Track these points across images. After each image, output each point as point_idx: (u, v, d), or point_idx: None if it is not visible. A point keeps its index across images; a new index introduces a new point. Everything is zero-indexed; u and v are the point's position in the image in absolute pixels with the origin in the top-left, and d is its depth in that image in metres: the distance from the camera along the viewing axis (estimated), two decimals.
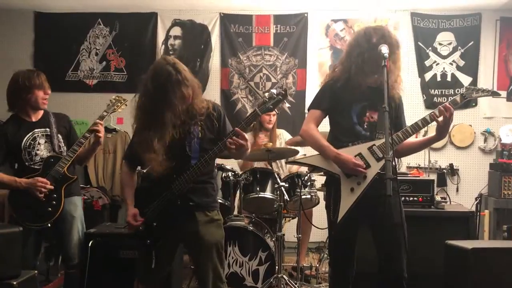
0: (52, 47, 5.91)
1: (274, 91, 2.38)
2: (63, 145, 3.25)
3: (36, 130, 3.19)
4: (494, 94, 2.74)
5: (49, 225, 3.09)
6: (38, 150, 3.17)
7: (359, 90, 2.63)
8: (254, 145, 4.41)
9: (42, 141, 3.19)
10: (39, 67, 5.29)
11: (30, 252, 3.15)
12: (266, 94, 2.42)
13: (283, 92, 2.37)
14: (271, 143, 4.24)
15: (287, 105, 5.57)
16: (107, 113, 3.28)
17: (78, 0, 5.57)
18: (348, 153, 2.58)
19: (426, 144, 2.80)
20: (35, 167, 3.14)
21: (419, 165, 5.46)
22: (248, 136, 4.46)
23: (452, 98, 2.64)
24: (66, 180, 3.13)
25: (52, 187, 3.06)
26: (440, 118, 2.55)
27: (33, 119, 3.23)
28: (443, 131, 2.60)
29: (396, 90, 2.68)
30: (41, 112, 3.25)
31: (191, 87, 2.38)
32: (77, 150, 3.14)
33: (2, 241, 2.63)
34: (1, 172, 3.13)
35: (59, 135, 3.24)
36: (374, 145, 2.58)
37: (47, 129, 3.22)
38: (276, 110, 2.49)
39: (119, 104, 3.33)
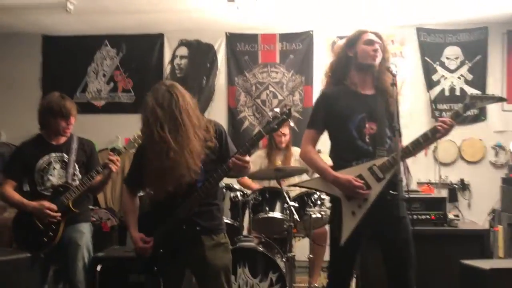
0: (60, 69, 5.96)
1: (278, 110, 2.35)
2: (78, 174, 3.24)
3: (53, 154, 3.20)
4: (501, 100, 2.65)
5: (42, 255, 3.07)
6: (51, 175, 3.17)
7: (354, 101, 2.59)
8: (270, 165, 4.38)
9: (57, 166, 3.19)
10: (47, 89, 5.33)
11: (38, 277, 3.12)
12: (270, 113, 2.39)
13: (287, 111, 2.34)
14: (279, 162, 4.21)
15: (292, 124, 5.53)
16: (126, 150, 3.23)
17: (85, 23, 5.62)
18: (349, 174, 2.52)
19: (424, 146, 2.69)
20: (45, 193, 3.13)
21: (430, 180, 5.41)
22: (262, 155, 4.48)
23: (454, 110, 2.55)
24: (68, 212, 3.11)
25: (59, 215, 3.04)
26: (440, 131, 2.49)
27: (54, 142, 3.24)
28: (440, 138, 2.56)
29: (394, 91, 2.59)
30: (64, 137, 3.26)
31: (196, 113, 2.37)
32: (86, 184, 3.12)
33: (10, 267, 2.61)
34: (14, 191, 3.14)
35: (76, 164, 3.23)
36: (374, 165, 2.51)
37: (65, 155, 3.21)
38: (292, 125, 2.47)
39: (140, 141, 3.31)
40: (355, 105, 2.58)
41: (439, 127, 2.47)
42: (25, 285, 2.67)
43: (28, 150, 3.21)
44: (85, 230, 3.24)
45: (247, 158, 2.34)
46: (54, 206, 3.04)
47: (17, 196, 3.12)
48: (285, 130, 4.53)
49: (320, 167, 2.62)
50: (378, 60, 2.59)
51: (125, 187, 2.60)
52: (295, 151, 4.68)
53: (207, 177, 2.36)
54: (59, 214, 3.05)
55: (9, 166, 3.28)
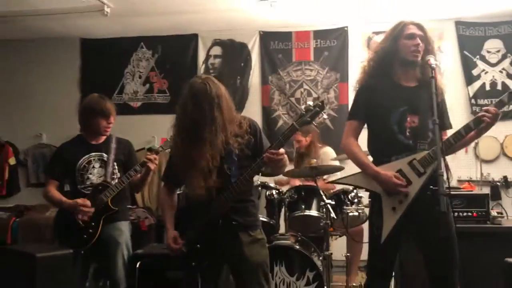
0: (97, 71, 6.10)
1: (310, 103, 2.32)
2: (117, 173, 3.31)
3: (93, 153, 3.29)
4: None
5: (82, 252, 3.14)
6: (91, 174, 3.25)
7: (396, 93, 2.52)
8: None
9: (97, 165, 3.27)
10: (86, 91, 5.46)
11: (78, 274, 3.20)
12: (303, 106, 2.36)
13: (320, 103, 2.31)
14: (314, 160, 4.17)
15: (325, 117, 5.48)
16: (162, 149, 3.29)
17: (121, 26, 5.73)
18: (389, 169, 2.47)
19: (466, 144, 2.60)
20: (85, 191, 3.22)
21: (471, 178, 5.25)
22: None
23: (499, 99, 2.45)
24: (107, 210, 3.18)
25: (92, 209, 3.12)
26: (483, 124, 2.39)
27: (94, 142, 3.33)
28: (484, 131, 2.44)
29: (439, 85, 2.52)
30: (104, 137, 3.35)
31: (227, 112, 2.37)
32: (125, 182, 3.20)
33: (55, 263, 2.68)
34: (56, 191, 3.24)
35: (115, 163, 3.31)
36: (414, 159, 2.44)
37: (104, 155, 3.29)
38: (314, 125, 2.42)
39: None
40: (396, 97, 2.52)
41: (483, 118, 2.38)
42: (68, 280, 2.73)
43: (69, 150, 3.30)
44: (124, 228, 3.30)
45: (282, 150, 2.32)
46: (88, 203, 3.12)
47: (57, 195, 3.22)
48: (299, 137, 4.50)
49: (361, 161, 2.57)
50: (420, 55, 2.51)
51: (163, 185, 2.64)
52: (326, 151, 4.64)
53: (241, 173, 2.36)
54: (92, 209, 3.12)
55: (51, 167, 3.39)
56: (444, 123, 2.60)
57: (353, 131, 2.65)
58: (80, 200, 3.12)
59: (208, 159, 2.32)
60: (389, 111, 2.51)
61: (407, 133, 2.49)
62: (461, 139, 2.45)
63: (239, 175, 2.36)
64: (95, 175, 3.25)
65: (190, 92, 2.37)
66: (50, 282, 2.62)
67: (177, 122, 2.43)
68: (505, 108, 5.24)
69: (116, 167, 3.32)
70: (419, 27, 2.57)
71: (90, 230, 3.14)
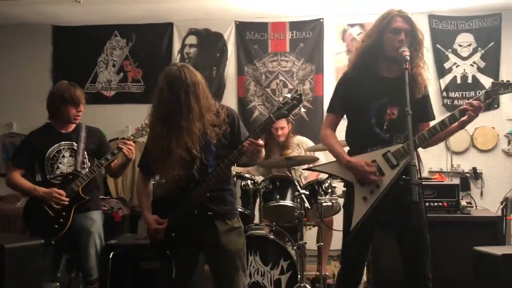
0: (70, 60, 5.97)
1: (288, 95, 2.33)
2: (87, 162, 3.26)
3: (62, 142, 3.22)
4: None
5: (53, 242, 3.10)
6: (60, 163, 3.19)
7: (378, 84, 2.54)
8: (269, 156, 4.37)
9: (66, 154, 3.21)
10: (58, 80, 5.32)
11: (50, 264, 3.16)
12: (281, 99, 2.37)
13: (297, 96, 2.32)
14: (289, 151, 4.20)
15: (303, 110, 5.51)
16: (134, 137, 3.26)
17: (95, 13, 5.62)
18: (363, 160, 2.50)
19: (447, 135, 2.66)
20: (54, 181, 3.17)
21: (441, 169, 5.36)
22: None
23: (475, 97, 2.49)
24: (78, 199, 3.14)
25: (67, 200, 3.07)
26: (464, 117, 2.46)
27: (63, 131, 3.26)
28: (466, 124, 2.51)
29: (421, 81, 2.57)
30: (73, 125, 3.28)
31: (204, 100, 2.35)
32: (95, 171, 3.16)
33: (25, 254, 2.63)
34: (24, 179, 3.17)
35: (85, 152, 3.25)
36: (389, 151, 2.48)
37: (74, 144, 3.23)
38: (291, 118, 2.43)
39: (148, 129, 3.32)
40: (377, 89, 2.53)
41: (466, 111, 2.42)
42: (39, 271, 2.69)
43: (38, 139, 3.23)
44: (96, 218, 3.26)
45: (260, 141, 2.33)
46: (63, 192, 3.07)
47: (27, 183, 3.15)
48: (283, 123, 4.50)
49: (335, 151, 2.60)
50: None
51: (139, 171, 2.61)
52: (303, 141, 4.67)
53: (218, 163, 2.35)
54: (67, 199, 3.08)
55: (18, 155, 3.30)
56: (427, 115, 2.66)
57: (330, 123, 2.68)
58: (56, 189, 3.08)
59: (186, 147, 2.31)
60: (368, 103, 2.54)
61: (385, 127, 2.53)
62: (435, 134, 2.49)
63: (216, 165, 2.35)
64: (65, 165, 3.19)
65: (165, 80, 2.35)
66: (19, 273, 2.57)
67: (153, 111, 2.41)
68: None
69: (87, 156, 3.26)
70: (406, 20, 2.57)
71: (61, 220, 3.09)
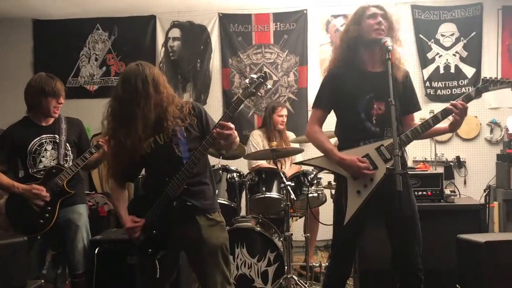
0: (51, 54, 5.90)
1: (254, 76, 2.36)
2: (70, 154, 3.21)
3: (44, 135, 3.15)
4: None
5: (38, 237, 3.06)
6: (43, 157, 3.13)
7: (362, 79, 2.54)
8: (269, 144, 4.43)
9: (49, 147, 3.15)
10: None
11: (35, 261, 3.12)
12: (247, 80, 2.39)
13: (263, 74, 2.36)
14: (275, 143, 4.21)
15: (269, 86, 5.48)
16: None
17: (76, 6, 5.54)
18: (355, 154, 2.51)
19: (436, 134, 2.73)
20: (37, 176, 3.10)
21: (425, 158, 5.42)
22: (261, 134, 4.50)
23: (466, 93, 2.51)
24: (63, 194, 3.09)
25: (47, 195, 3.02)
26: (452, 119, 2.48)
27: (43, 124, 3.19)
28: (455, 126, 2.52)
29: (400, 69, 2.58)
30: (52, 118, 3.21)
31: (164, 91, 2.34)
32: (80, 164, 3.11)
33: (7, 251, 2.59)
34: (3, 175, 3.08)
35: (67, 144, 3.19)
36: (382, 145, 2.50)
37: (56, 136, 3.18)
38: (260, 95, 2.46)
39: None
40: (362, 85, 2.54)
41: (450, 110, 2.43)
42: (23, 268, 2.65)
43: (17, 133, 3.13)
44: (83, 211, 3.23)
45: (231, 124, 2.30)
46: (42, 188, 3.01)
47: (5, 179, 3.06)
48: (284, 111, 4.56)
49: (325, 148, 2.60)
50: (384, 34, 2.51)
51: (111, 181, 2.51)
52: (288, 133, 4.70)
53: (191, 155, 2.34)
54: (47, 194, 3.03)
55: None
56: (410, 106, 2.67)
57: (317, 119, 2.68)
58: (35, 185, 3.01)
59: (137, 135, 2.28)
60: (356, 99, 2.55)
61: (374, 121, 2.54)
62: (428, 129, 2.50)
63: (191, 156, 2.33)
64: (47, 158, 3.14)
65: (122, 75, 2.34)
66: (3, 271, 2.53)
67: (107, 111, 2.35)
68: (458, 91, 5.44)
69: (69, 148, 3.21)
70: (379, 7, 2.60)
71: (47, 215, 3.05)
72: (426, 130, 2.51)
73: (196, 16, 5.80)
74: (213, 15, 5.78)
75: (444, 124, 2.57)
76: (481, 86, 2.49)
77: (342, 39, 2.65)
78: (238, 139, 2.46)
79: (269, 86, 2.31)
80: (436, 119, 2.49)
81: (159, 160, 2.37)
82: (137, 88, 2.27)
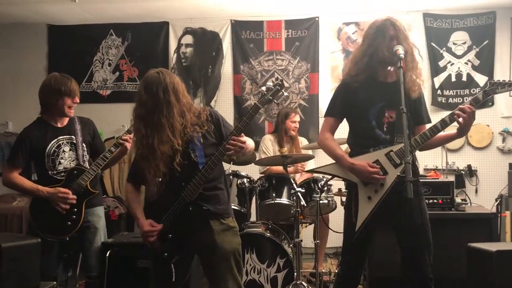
0: (65, 59, 5.98)
1: (270, 83, 2.40)
2: (87, 154, 3.23)
3: (60, 137, 3.15)
4: None
5: (67, 238, 3.08)
6: (62, 158, 3.13)
7: (374, 89, 2.57)
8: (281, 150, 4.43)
9: (66, 148, 3.15)
10: None
11: (53, 263, 3.14)
12: (263, 87, 2.42)
13: (279, 82, 2.39)
14: (285, 149, 4.22)
15: (285, 94, 5.48)
16: (131, 131, 3.25)
17: (90, 12, 5.62)
18: (366, 159, 2.52)
19: (445, 141, 2.74)
20: (58, 177, 3.10)
21: (437, 167, 5.40)
22: (272, 139, 4.53)
23: (473, 96, 2.51)
24: (87, 194, 3.11)
25: (74, 197, 3.04)
26: (460, 119, 2.47)
27: (59, 125, 3.19)
28: (463, 130, 2.51)
29: (415, 84, 2.59)
30: (66, 118, 3.22)
31: (183, 100, 2.39)
32: (101, 164, 3.11)
33: (21, 253, 2.62)
34: (25, 178, 3.10)
35: (83, 144, 3.21)
36: (391, 151, 2.51)
37: (72, 137, 3.19)
38: (275, 102, 2.50)
39: None
40: (374, 94, 2.57)
41: (457, 117, 2.43)
42: (36, 270, 2.68)
43: (35, 136, 3.13)
44: (101, 214, 3.26)
45: (243, 138, 2.37)
46: (68, 191, 3.03)
47: (29, 183, 3.08)
48: (297, 117, 4.59)
49: (336, 154, 2.62)
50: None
51: (128, 183, 2.58)
52: (302, 140, 4.72)
53: (208, 158, 2.38)
54: (74, 197, 3.04)
55: (15, 154, 3.16)
56: (421, 117, 2.68)
57: (329, 127, 2.71)
58: (61, 189, 3.02)
59: (170, 144, 2.33)
60: (368, 108, 2.58)
61: (385, 128, 2.57)
62: (437, 133, 2.50)
63: (207, 160, 2.37)
64: (66, 159, 3.15)
65: (143, 83, 2.39)
66: (16, 272, 2.56)
67: (134, 115, 2.41)
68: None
69: (85, 148, 3.23)
70: (395, 26, 2.61)
71: (73, 216, 3.05)
72: (434, 134, 2.51)
73: (209, 22, 5.85)
74: (225, 21, 5.82)
75: (453, 130, 2.57)
76: (489, 88, 2.48)
77: (358, 53, 2.67)
78: (253, 147, 2.50)
79: (285, 94, 2.34)
80: (444, 123, 2.49)
81: (175, 165, 2.38)
82: (159, 97, 2.32)
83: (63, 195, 3.01)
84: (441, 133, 2.54)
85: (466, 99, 5.42)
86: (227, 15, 5.77)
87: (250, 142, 2.51)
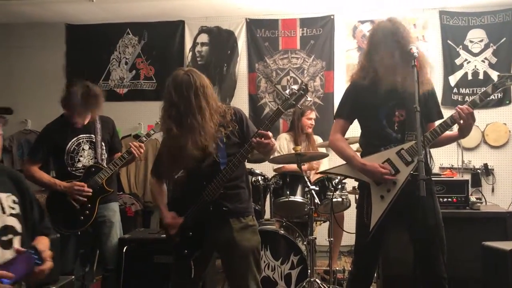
0: (83, 58, 6.07)
1: (295, 87, 2.39)
2: (105, 153, 3.32)
3: (81, 135, 3.26)
4: None
5: (79, 233, 3.17)
6: (81, 156, 3.24)
7: (383, 89, 2.56)
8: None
9: (86, 147, 3.26)
10: (72, 78, 5.43)
11: (70, 257, 3.23)
12: (287, 91, 2.42)
13: (304, 87, 2.38)
14: (299, 147, 4.23)
15: (309, 99, 5.51)
16: (146, 139, 3.33)
17: (107, 11, 5.69)
18: (377, 159, 2.53)
19: (449, 141, 2.73)
20: (76, 173, 3.22)
21: (452, 165, 5.36)
22: (288, 138, 4.54)
23: (483, 90, 2.51)
24: (103, 192, 3.21)
25: (89, 190, 3.13)
26: (461, 121, 2.48)
27: (80, 124, 3.27)
28: (464, 131, 2.53)
29: (426, 79, 2.59)
30: (88, 116, 3.30)
31: (212, 103, 2.40)
32: (118, 164, 3.23)
33: None
34: (44, 172, 3.22)
35: (102, 143, 3.31)
36: (402, 149, 2.52)
37: (92, 136, 3.29)
38: (299, 107, 2.49)
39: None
40: (385, 94, 2.56)
41: (455, 118, 2.46)
42: (56, 264, 2.74)
43: (56, 132, 3.25)
44: (116, 209, 3.37)
45: (269, 133, 2.36)
46: (83, 184, 3.14)
47: (47, 177, 3.21)
48: (312, 114, 4.59)
49: (347, 154, 2.64)
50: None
51: (152, 177, 2.62)
52: (316, 139, 4.73)
53: (230, 159, 2.40)
54: (90, 190, 3.14)
55: (36, 149, 3.29)
56: (431, 114, 2.68)
57: (339, 128, 2.73)
58: (77, 182, 3.13)
59: (201, 147, 2.35)
60: (377, 107, 2.59)
61: (395, 127, 2.57)
62: (441, 134, 2.51)
63: (229, 161, 2.39)
64: (85, 157, 3.25)
65: (173, 83, 2.39)
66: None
67: (164, 114, 2.42)
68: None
69: (104, 147, 3.33)
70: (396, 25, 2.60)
71: (87, 212, 3.16)
72: (445, 130, 2.52)
73: (224, 21, 5.89)
74: (240, 20, 5.85)
75: (456, 131, 2.60)
76: (498, 82, 2.49)
77: (367, 54, 2.67)
78: (276, 146, 2.50)
79: (309, 99, 2.33)
80: (453, 119, 2.50)
81: (197, 164, 2.42)
82: (190, 101, 2.33)
83: (78, 188, 3.11)
84: (445, 133, 2.55)
85: (481, 92, 5.37)
86: (242, 14, 5.79)
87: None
